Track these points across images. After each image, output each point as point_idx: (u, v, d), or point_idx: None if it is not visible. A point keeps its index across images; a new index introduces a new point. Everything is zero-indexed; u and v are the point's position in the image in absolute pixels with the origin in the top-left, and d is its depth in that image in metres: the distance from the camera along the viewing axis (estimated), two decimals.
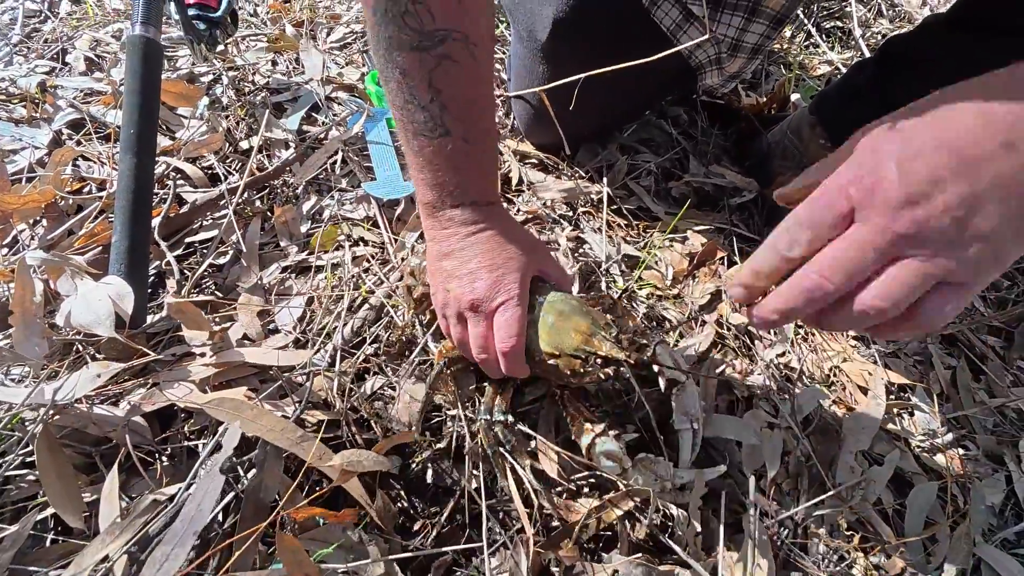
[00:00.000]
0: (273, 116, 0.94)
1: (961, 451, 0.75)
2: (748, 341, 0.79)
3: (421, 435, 0.63)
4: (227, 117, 0.94)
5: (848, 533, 0.65)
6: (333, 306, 0.72)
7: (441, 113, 0.51)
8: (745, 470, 0.66)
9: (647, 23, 0.80)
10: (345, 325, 0.70)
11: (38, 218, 0.78)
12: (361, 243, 0.81)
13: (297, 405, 0.59)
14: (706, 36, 0.71)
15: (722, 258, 0.89)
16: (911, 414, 0.77)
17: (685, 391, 0.63)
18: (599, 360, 0.55)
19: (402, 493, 0.60)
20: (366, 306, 0.73)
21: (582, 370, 0.56)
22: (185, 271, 0.74)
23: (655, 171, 1.01)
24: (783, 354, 0.80)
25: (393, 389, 0.66)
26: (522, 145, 1.00)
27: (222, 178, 0.86)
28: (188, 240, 0.78)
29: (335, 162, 0.89)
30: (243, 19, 1.12)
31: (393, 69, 0.50)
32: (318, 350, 0.67)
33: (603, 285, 0.82)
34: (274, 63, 1.07)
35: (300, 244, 0.80)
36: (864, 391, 0.77)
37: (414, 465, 0.62)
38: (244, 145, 0.90)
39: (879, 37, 1.41)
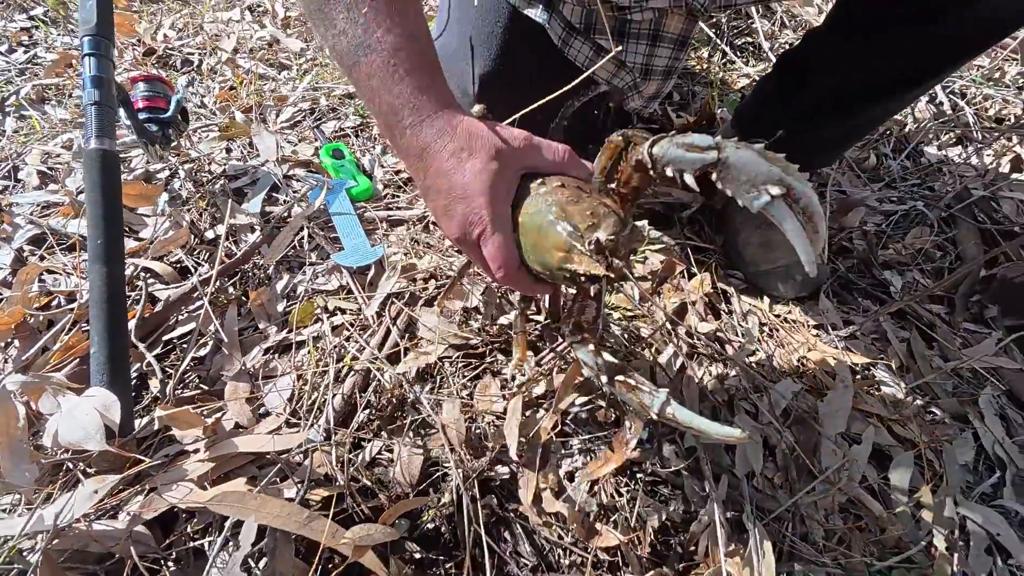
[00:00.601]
0: (235, 202, 0.97)
1: (929, 417, 0.80)
2: (719, 347, 0.84)
3: (423, 494, 0.64)
4: (189, 210, 0.96)
5: (842, 515, 0.68)
6: (320, 380, 0.73)
7: (365, 33, 0.50)
8: (737, 472, 0.70)
9: (564, 63, 0.87)
10: (334, 397, 0.71)
11: (9, 340, 0.77)
12: (339, 312, 0.83)
13: (299, 486, 0.60)
14: (617, 50, 0.77)
15: (682, 271, 0.94)
16: (878, 389, 0.82)
17: (729, 161, 0.41)
18: (583, 278, 0.49)
19: (416, 555, 0.61)
20: (352, 374, 0.74)
21: (576, 286, 0.52)
22: (167, 369, 0.75)
23: None
24: (753, 353, 0.85)
25: (391, 451, 0.68)
26: None
27: (192, 270, 0.87)
28: (166, 338, 0.79)
29: (302, 238, 0.91)
30: (192, 111, 1.15)
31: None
32: (311, 425, 0.68)
33: None
34: (228, 150, 1.10)
35: (279, 323, 0.81)
36: (832, 376, 0.83)
37: (423, 523, 0.63)
38: (210, 235, 0.92)
39: (787, 47, 1.54)
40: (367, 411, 0.71)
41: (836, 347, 0.86)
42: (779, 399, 0.78)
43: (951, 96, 1.36)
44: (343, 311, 0.83)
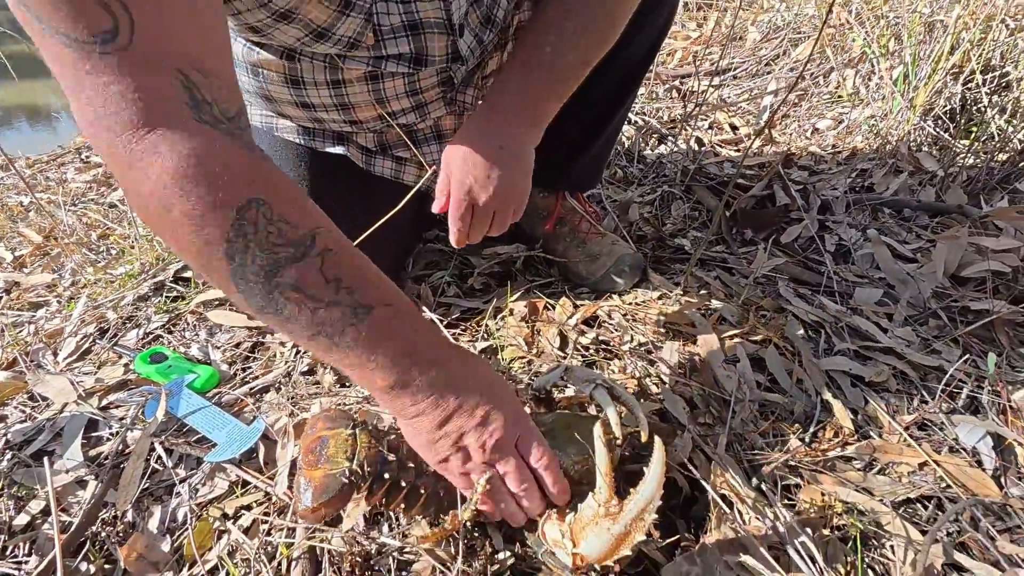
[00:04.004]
0: (38, 467, 0.77)
1: (763, 320, 1.01)
2: (607, 348, 0.94)
3: None
4: None
5: (763, 419, 0.81)
6: None
7: (352, 296, 0.51)
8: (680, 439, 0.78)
9: (372, 179, 0.96)
10: None
11: None
12: (243, 512, 0.70)
13: None
14: (433, 170, 0.88)
15: (545, 306, 1.05)
16: (723, 318, 1.02)
17: (572, 372, 0.73)
18: None
19: None
20: (297, 563, 0.63)
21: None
22: None
23: (450, 279, 1.15)
24: (632, 339, 0.97)
25: None
26: None
27: None
28: None
29: (159, 459, 0.76)
30: None
31: (282, 294, 0.49)
32: None
33: None
34: (2, 418, 0.87)
35: (173, 566, 0.65)
36: (692, 324, 0.99)
37: None
38: (23, 519, 0.70)
39: None
40: None
41: (680, 304, 1.04)
42: (670, 359, 0.90)
43: (640, 116, 1.83)
44: (248, 507, 0.71)
